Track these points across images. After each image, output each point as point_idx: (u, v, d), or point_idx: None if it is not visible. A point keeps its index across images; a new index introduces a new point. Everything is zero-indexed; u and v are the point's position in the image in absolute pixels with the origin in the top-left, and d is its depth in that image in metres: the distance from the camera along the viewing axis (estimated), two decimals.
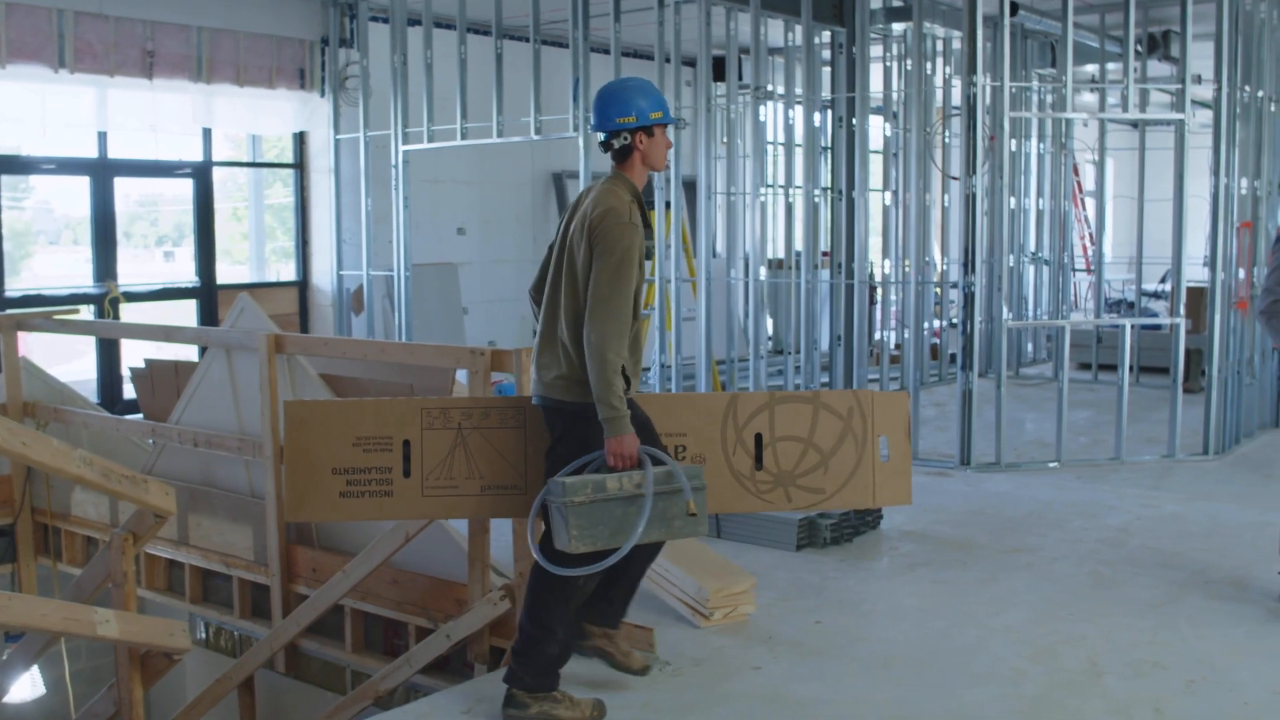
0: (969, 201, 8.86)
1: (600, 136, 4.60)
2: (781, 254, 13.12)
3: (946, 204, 13.21)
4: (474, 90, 11.17)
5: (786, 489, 5.13)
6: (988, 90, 8.93)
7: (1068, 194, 15.20)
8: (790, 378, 10.68)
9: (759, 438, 5.11)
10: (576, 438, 4.52)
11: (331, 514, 4.95)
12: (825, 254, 11.95)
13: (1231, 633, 5.51)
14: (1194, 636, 5.48)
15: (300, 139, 12.22)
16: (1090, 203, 16.67)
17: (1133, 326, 10.51)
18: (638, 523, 4.31)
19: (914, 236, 11.94)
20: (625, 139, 4.53)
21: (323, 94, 11.85)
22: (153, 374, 7.62)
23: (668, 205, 10.50)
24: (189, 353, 9.53)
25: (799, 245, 10.82)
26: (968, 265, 8.88)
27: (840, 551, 6.84)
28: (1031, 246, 14.56)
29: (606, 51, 10.72)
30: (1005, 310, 8.93)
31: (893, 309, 15.08)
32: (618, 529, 4.33)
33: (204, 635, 7.39)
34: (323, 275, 12.30)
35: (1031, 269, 14.72)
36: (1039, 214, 14.39)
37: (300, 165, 12.32)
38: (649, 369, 11.16)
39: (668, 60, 10.50)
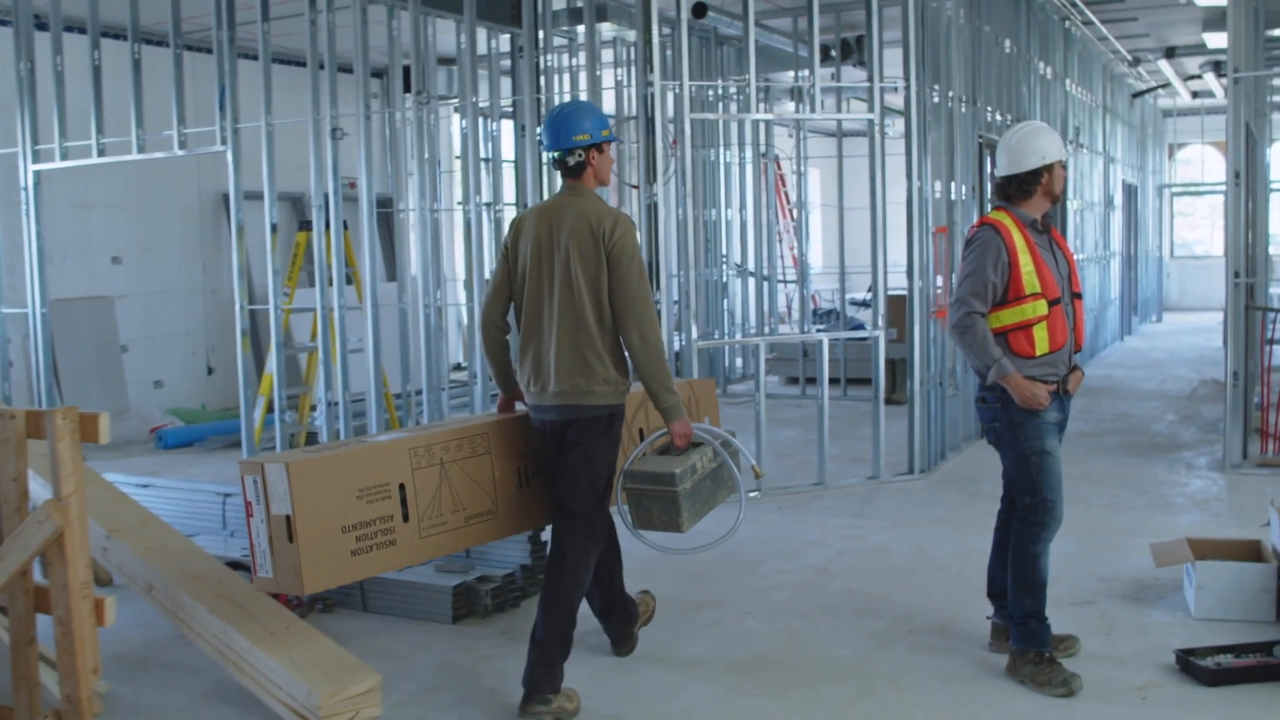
0: (650, 212, 8.08)
1: (554, 156, 4.82)
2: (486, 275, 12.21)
3: (682, 215, 12.49)
4: (112, 101, 9.84)
5: None
6: (670, 95, 8.15)
7: (772, 204, 14.79)
8: (483, 404, 9.67)
9: (641, 431, 5.48)
10: (612, 435, 4.79)
11: (346, 576, 4.56)
12: None
13: (937, 697, 4.80)
14: (896, 705, 4.74)
15: None
16: (799, 213, 16.40)
17: (832, 340, 9.96)
18: (735, 485, 5.02)
19: None
20: (580, 156, 4.79)
21: None
22: None
23: (327, 226, 9.37)
24: None
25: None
26: (653, 279, 8.08)
27: (504, 621, 5.86)
28: (736, 258, 14.06)
29: (255, 57, 9.53)
30: (693, 328, 8.17)
31: None
32: (706, 502, 4.88)
33: None
34: None
35: (738, 282, 14.23)
36: (742, 225, 13.90)
37: None
38: (315, 407, 9.99)
39: (321, 66, 9.37)
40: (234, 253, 9.84)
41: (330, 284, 9.38)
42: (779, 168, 16.49)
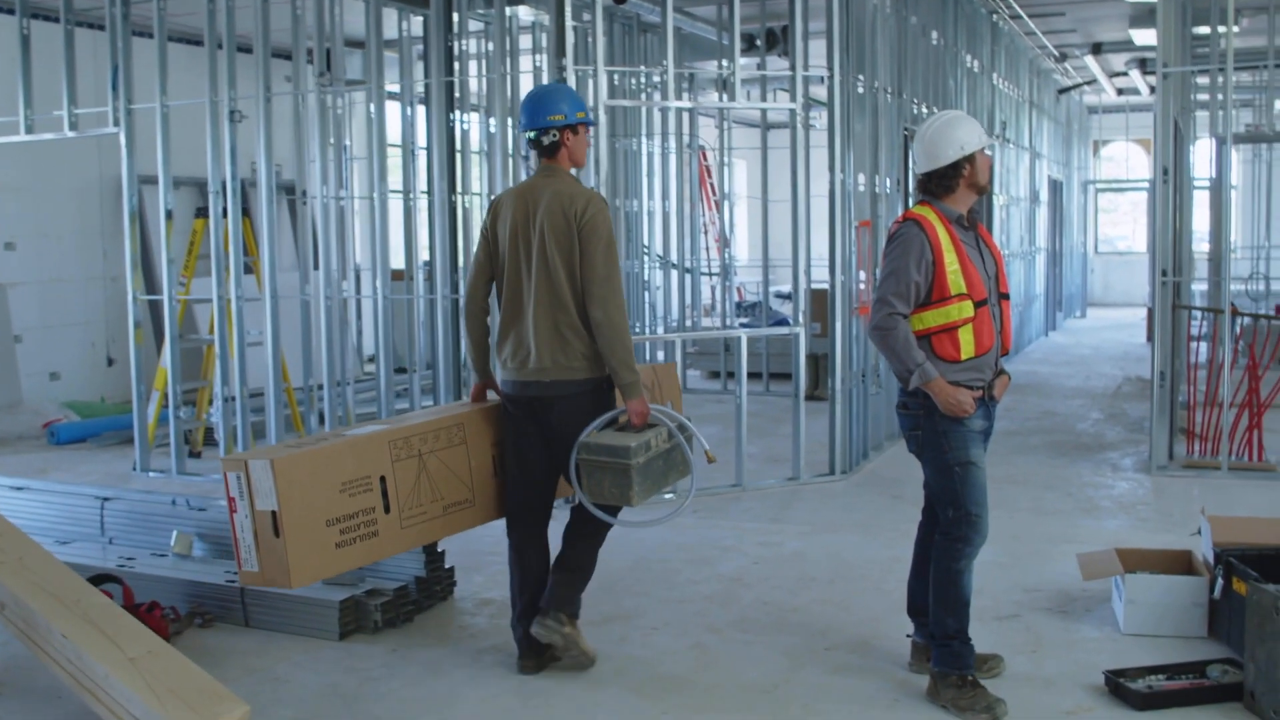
0: None
1: (530, 135, 4.92)
2: (401, 264, 11.78)
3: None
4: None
5: None
6: (589, 81, 7.78)
7: (696, 195, 14.47)
8: (384, 401, 9.22)
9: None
10: (601, 407, 4.89)
11: (332, 568, 4.62)
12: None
13: None
14: None
15: None
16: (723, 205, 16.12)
17: (755, 335, 9.66)
18: (687, 468, 5.00)
19: None
20: (554, 136, 4.89)
21: None
22: None
23: (225, 212, 8.90)
24: None
25: (403, 254, 9.50)
26: None
27: (396, 637, 5.47)
28: (659, 250, 13.73)
29: (151, 35, 9.02)
30: None
31: None
32: (658, 480, 4.84)
33: None
34: None
35: (660, 274, 13.91)
36: (665, 216, 13.57)
37: None
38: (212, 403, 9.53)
39: (220, 46, 8.89)
40: (126, 240, 9.34)
41: (228, 273, 8.91)
42: (704, 159, 16.17)
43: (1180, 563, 5.57)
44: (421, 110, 9.86)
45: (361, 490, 4.62)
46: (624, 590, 6.07)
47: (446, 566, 5.98)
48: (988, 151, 4.71)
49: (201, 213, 9.65)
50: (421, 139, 9.97)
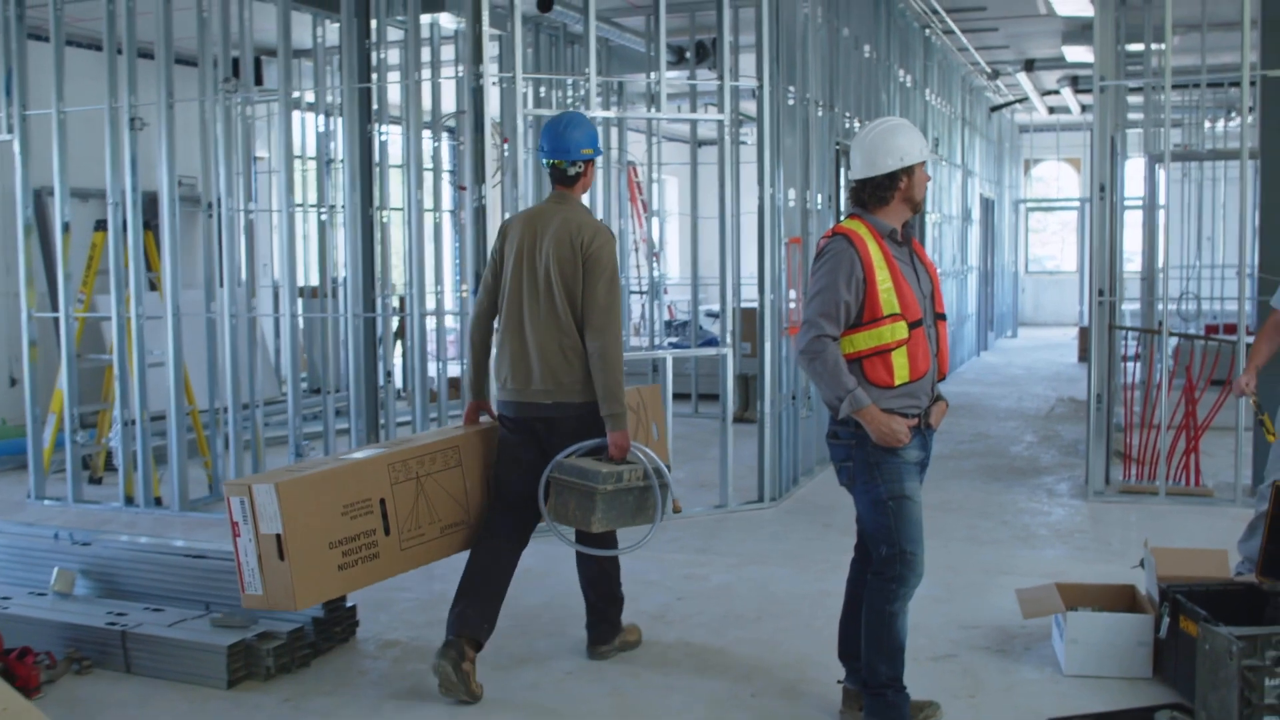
0: (479, 216, 7.35)
1: (552, 162, 5.03)
2: (314, 281, 11.35)
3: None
4: None
5: None
6: (515, 89, 7.41)
7: (625, 211, 14.16)
8: (293, 426, 8.77)
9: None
10: (599, 427, 4.91)
11: (335, 590, 4.72)
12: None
13: None
14: None
15: None
16: (656, 222, 15.81)
17: (682, 356, 9.33)
18: (653, 516, 4.92)
19: (430, 257, 10.39)
20: (580, 167, 5.04)
21: None
22: None
23: (125, 225, 8.43)
24: None
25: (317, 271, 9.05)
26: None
27: (290, 685, 5.06)
28: None
29: (47, 39, 8.55)
30: None
31: (449, 338, 13.54)
32: (622, 515, 4.82)
33: None
34: None
35: None
36: None
37: None
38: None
39: (120, 51, 8.43)
40: (20, 253, 8.85)
41: (128, 289, 8.43)
42: (634, 174, 15.86)
43: (1123, 598, 5.30)
44: (342, 122, 9.45)
45: (363, 512, 4.69)
46: (537, 631, 5.69)
47: (348, 605, 5.58)
48: (928, 168, 4.41)
49: (101, 225, 9.16)
50: (341, 151, 9.56)
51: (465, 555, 5.10)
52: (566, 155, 5.02)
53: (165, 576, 5.71)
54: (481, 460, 5.15)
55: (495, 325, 5.16)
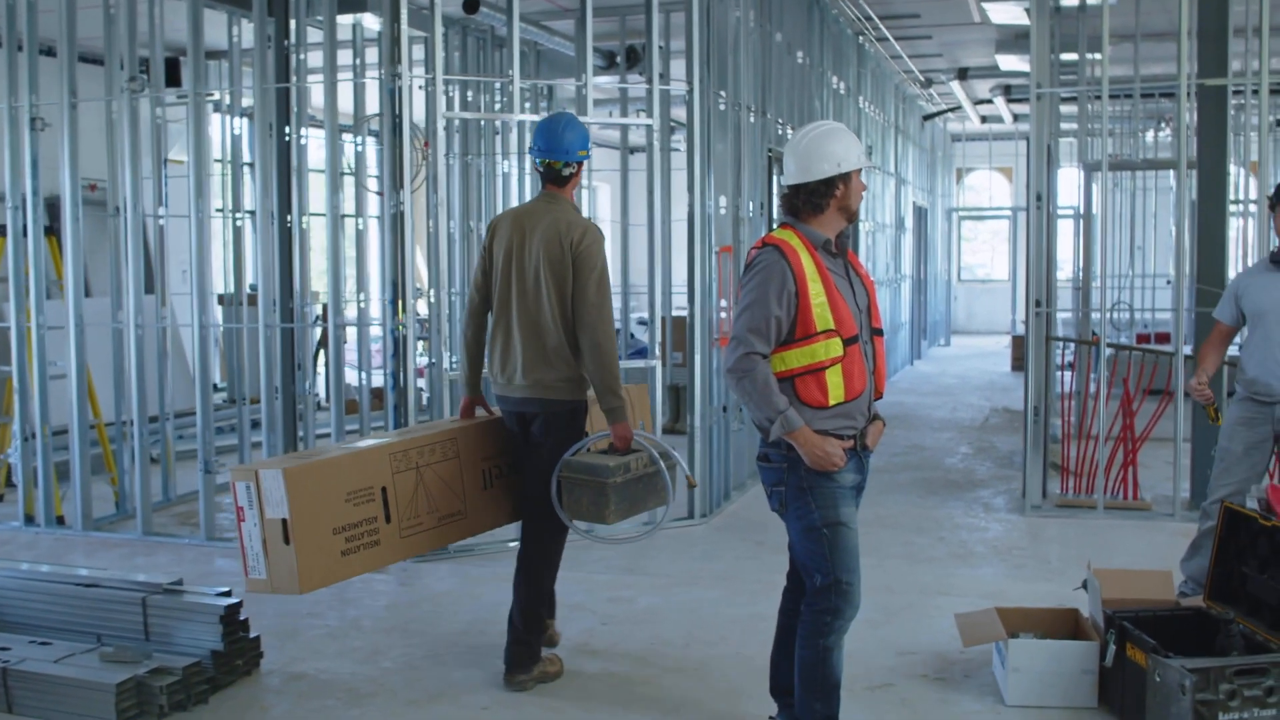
0: (397, 223, 7.04)
1: (545, 161, 5.09)
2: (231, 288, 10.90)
3: (433, 227, 11.37)
4: None
5: None
6: (440, 93, 7.10)
7: None
8: (202, 439, 8.37)
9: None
10: (575, 429, 5.04)
11: (337, 575, 4.75)
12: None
13: None
14: None
15: None
16: None
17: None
18: (665, 497, 5.09)
19: (355, 265, 10.04)
20: (573, 169, 5.11)
21: None
22: None
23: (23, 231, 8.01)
24: None
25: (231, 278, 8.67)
26: (398, 302, 7.04)
27: None
28: None
29: None
30: (446, 355, 7.13)
31: (375, 347, 13.16)
32: (635, 503, 4.96)
33: None
34: None
35: None
36: None
37: None
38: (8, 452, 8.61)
39: (20, 48, 8.01)
40: None
41: (27, 297, 8.02)
42: None
43: (1066, 623, 5.09)
44: (253, 124, 9.08)
45: (365, 500, 4.75)
46: (454, 661, 5.38)
47: (251, 636, 5.24)
48: (864, 176, 4.16)
49: (0, 230, 8.73)
50: (254, 155, 9.18)
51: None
52: (564, 156, 5.07)
53: (55, 607, 5.34)
54: (477, 451, 5.24)
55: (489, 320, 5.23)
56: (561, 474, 4.92)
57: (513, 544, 7.07)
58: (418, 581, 6.65)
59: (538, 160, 5.12)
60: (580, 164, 5.14)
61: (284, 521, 4.47)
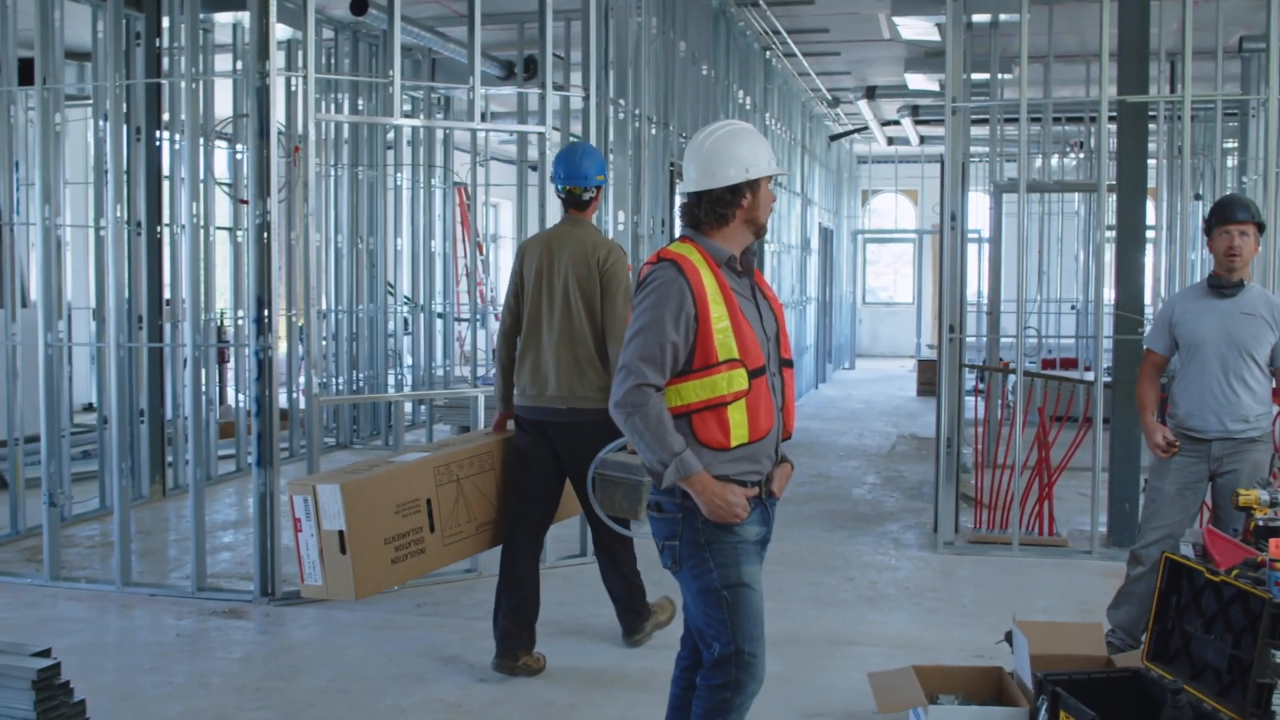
0: (262, 233, 6.41)
1: (568, 188, 5.46)
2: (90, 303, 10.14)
3: (319, 240, 10.69)
4: None
5: None
6: (311, 91, 6.47)
7: (448, 233, 13.28)
8: (46, 466, 7.64)
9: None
10: (606, 434, 4.88)
11: (388, 581, 5.05)
12: (168, 302, 9.21)
13: None
14: None
15: None
16: (482, 246, 14.96)
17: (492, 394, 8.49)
18: None
19: (229, 279, 9.36)
20: (592, 193, 5.50)
21: None
22: None
23: None
24: None
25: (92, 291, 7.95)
26: (262, 321, 6.40)
27: None
28: (406, 292, 12.45)
29: None
30: (312, 377, 6.48)
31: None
32: None
33: None
34: None
35: (408, 318, 12.63)
36: (414, 256, 12.31)
37: None
38: None
39: None
40: None
41: None
42: (463, 196, 14.97)
43: (989, 684, 4.63)
44: (109, 126, 8.37)
45: (412, 511, 5.05)
46: None
47: (74, 700, 4.58)
48: (774, 185, 3.63)
49: None
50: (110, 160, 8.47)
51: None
52: (584, 181, 5.42)
53: None
54: (509, 465, 5.50)
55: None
56: (597, 472, 4.88)
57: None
58: (279, 629, 6.02)
59: (559, 187, 5.45)
60: (599, 188, 5.48)
61: (340, 533, 4.77)
